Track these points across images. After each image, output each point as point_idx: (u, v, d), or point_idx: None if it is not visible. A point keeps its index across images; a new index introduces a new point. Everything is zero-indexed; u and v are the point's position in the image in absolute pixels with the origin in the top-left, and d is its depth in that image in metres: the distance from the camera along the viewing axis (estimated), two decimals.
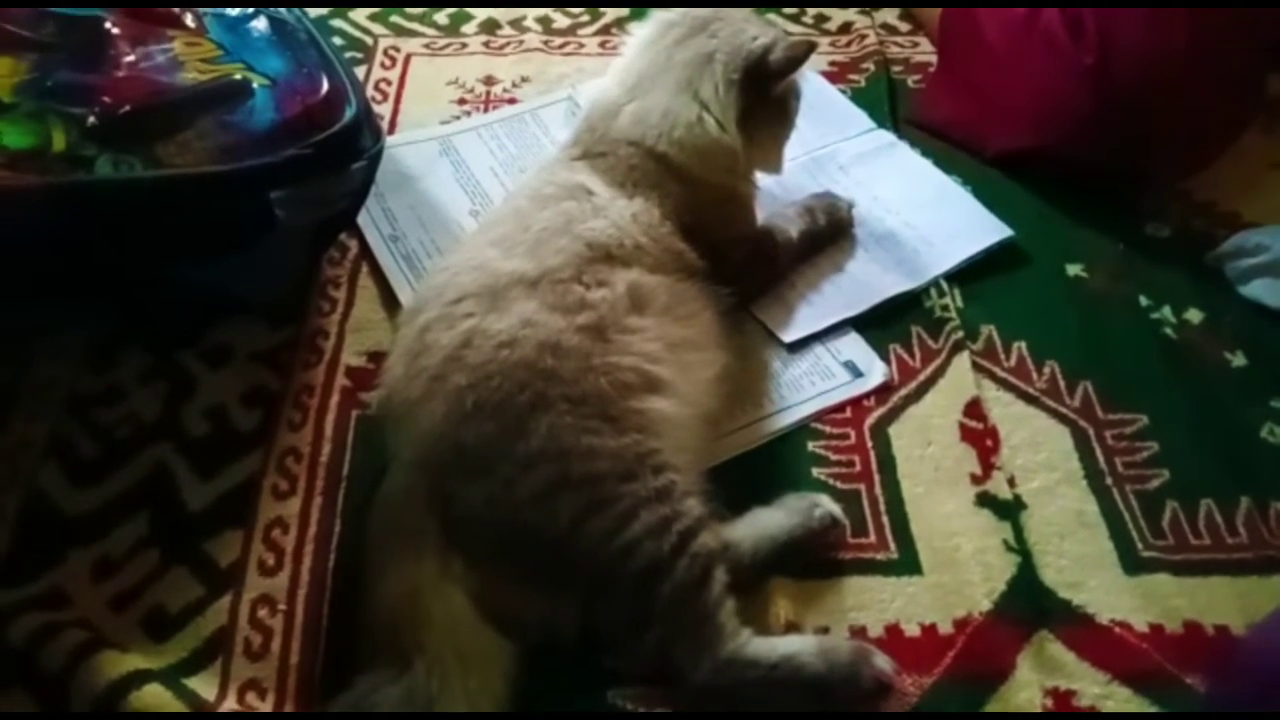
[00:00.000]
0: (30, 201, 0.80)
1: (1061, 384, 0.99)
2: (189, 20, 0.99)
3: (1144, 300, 1.08)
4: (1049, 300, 1.08)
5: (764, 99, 0.98)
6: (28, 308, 0.90)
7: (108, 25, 0.95)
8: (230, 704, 0.76)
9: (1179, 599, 0.84)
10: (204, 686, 0.77)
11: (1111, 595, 0.84)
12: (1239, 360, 1.03)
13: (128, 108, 0.88)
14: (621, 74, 1.01)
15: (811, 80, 1.05)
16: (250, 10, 1.02)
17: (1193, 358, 1.03)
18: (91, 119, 0.86)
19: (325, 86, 0.96)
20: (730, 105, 0.96)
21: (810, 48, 0.98)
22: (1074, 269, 1.11)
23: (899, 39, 1.44)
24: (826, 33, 1.44)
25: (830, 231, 1.11)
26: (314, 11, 1.36)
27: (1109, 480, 0.92)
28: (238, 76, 0.94)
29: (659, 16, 1.02)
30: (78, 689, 0.74)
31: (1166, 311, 1.07)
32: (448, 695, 0.72)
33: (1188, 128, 1.14)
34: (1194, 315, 1.07)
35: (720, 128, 0.96)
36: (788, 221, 1.08)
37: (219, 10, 1.02)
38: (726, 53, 0.97)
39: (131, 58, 0.93)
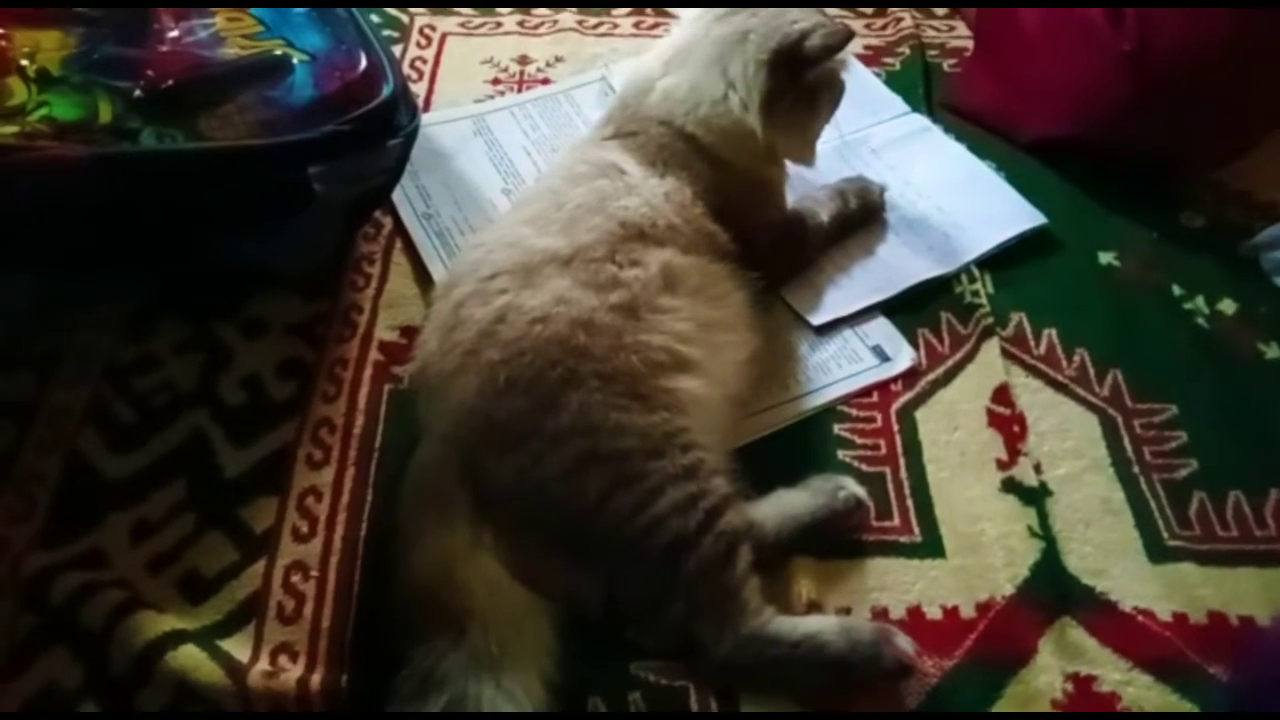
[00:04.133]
0: (77, 171, 0.82)
1: (1091, 372, 0.99)
2: None
3: (1177, 290, 1.07)
4: (1080, 288, 1.07)
5: (794, 84, 0.97)
6: (72, 276, 0.91)
7: None
8: (263, 665, 0.77)
9: (1204, 589, 0.84)
10: (238, 648, 0.78)
11: (1135, 583, 0.84)
12: (1272, 352, 1.02)
13: (171, 82, 0.89)
14: (660, 50, 1.01)
15: (846, 63, 1.03)
16: None
17: (1225, 348, 1.02)
18: (137, 92, 0.88)
19: (363, 63, 0.97)
20: (757, 86, 0.95)
21: (848, 35, 0.96)
22: (1106, 257, 1.10)
23: (935, 23, 1.43)
24: (862, 15, 1.44)
25: (861, 215, 1.10)
26: None
27: (1136, 469, 0.92)
28: (278, 52, 0.95)
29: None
30: (117, 647, 0.77)
31: (1199, 301, 1.06)
32: (508, 655, 0.73)
33: (1225, 116, 1.13)
34: (1227, 306, 1.06)
35: (744, 107, 0.95)
36: (819, 205, 1.07)
37: None
38: (762, 32, 0.96)
39: (175, 32, 0.95)
